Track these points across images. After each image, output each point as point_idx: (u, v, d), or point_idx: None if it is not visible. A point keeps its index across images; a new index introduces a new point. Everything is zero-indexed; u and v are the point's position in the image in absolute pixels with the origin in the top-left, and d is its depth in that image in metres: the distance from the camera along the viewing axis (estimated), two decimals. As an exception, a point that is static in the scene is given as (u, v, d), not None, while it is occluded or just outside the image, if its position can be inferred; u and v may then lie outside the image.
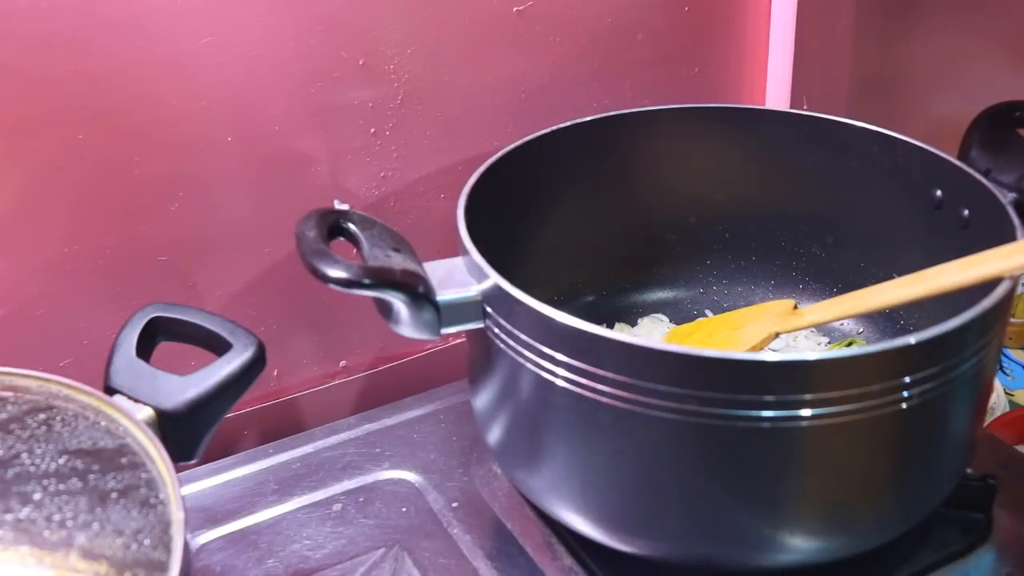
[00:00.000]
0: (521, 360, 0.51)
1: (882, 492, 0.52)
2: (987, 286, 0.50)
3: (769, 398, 0.46)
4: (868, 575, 0.57)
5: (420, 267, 0.53)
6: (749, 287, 0.76)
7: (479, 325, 0.54)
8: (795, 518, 0.51)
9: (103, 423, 0.47)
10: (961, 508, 0.60)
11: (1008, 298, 0.50)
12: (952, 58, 0.98)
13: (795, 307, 0.65)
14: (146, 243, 0.66)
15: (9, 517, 0.41)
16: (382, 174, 0.72)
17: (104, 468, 0.44)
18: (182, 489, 0.44)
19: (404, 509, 0.64)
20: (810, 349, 0.72)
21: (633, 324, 0.74)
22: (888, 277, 0.58)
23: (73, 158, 0.61)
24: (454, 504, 0.64)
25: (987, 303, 0.48)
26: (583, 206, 0.70)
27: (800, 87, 0.85)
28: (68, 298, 0.64)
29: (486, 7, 0.71)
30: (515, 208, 0.66)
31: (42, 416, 0.46)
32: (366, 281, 0.49)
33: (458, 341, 0.77)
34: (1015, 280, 0.50)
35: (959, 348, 0.48)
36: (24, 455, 0.44)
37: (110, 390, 0.51)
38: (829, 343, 0.73)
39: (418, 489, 0.65)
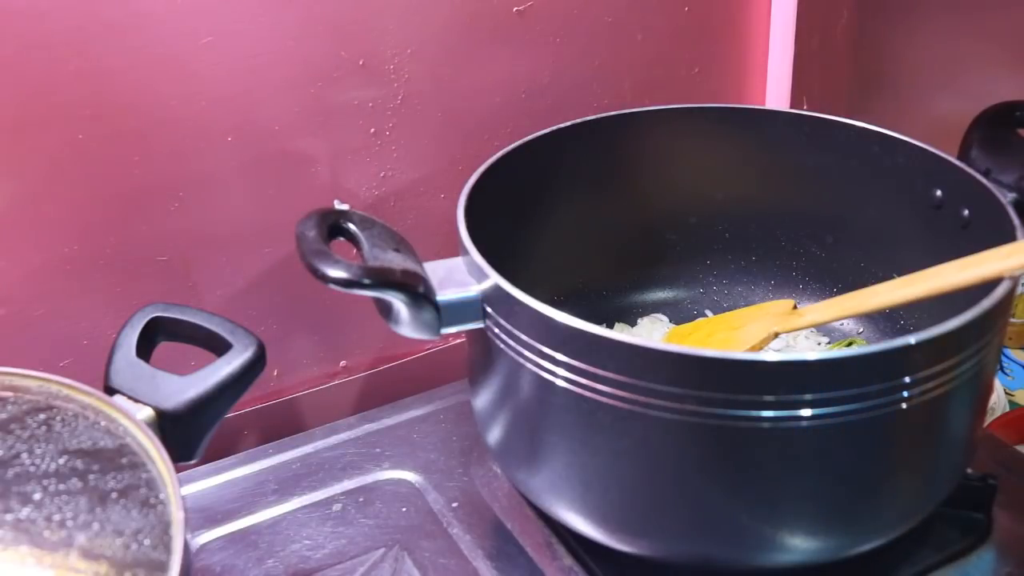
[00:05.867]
0: (521, 360, 0.51)
1: (882, 492, 0.52)
2: (987, 286, 0.50)
3: (769, 398, 0.46)
4: (868, 575, 0.57)
5: (420, 267, 0.53)
6: (749, 287, 0.76)
7: (479, 325, 0.54)
8: (795, 518, 0.51)
9: (103, 423, 0.47)
10: (961, 508, 0.60)
11: (1008, 298, 0.50)
12: (952, 58, 0.98)
13: (795, 307, 0.65)
14: (146, 243, 0.66)
15: (9, 517, 0.41)
16: (382, 174, 0.72)
17: (104, 468, 0.44)
18: (182, 489, 0.44)
19: (404, 509, 0.64)
20: (810, 349, 0.72)
21: (633, 324, 0.74)
22: (888, 277, 0.58)
23: (73, 158, 0.61)
24: (454, 504, 0.64)
25: (987, 303, 0.48)
26: (583, 206, 0.70)
27: (800, 87, 0.85)
28: (68, 298, 0.64)
29: (486, 7, 0.71)
30: (515, 208, 0.66)
31: (42, 416, 0.46)
32: (366, 281, 0.49)
33: (458, 341, 0.77)
34: (1015, 280, 0.50)
35: (959, 348, 0.48)
36: (24, 455, 0.44)
37: (110, 390, 0.51)
38: (829, 343, 0.73)
39: (418, 489, 0.65)
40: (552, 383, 0.50)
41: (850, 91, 0.91)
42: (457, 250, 0.55)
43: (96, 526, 0.41)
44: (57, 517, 0.41)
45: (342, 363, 0.77)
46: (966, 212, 0.60)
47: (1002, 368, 0.95)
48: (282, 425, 0.73)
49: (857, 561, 0.54)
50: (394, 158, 0.72)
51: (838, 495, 0.51)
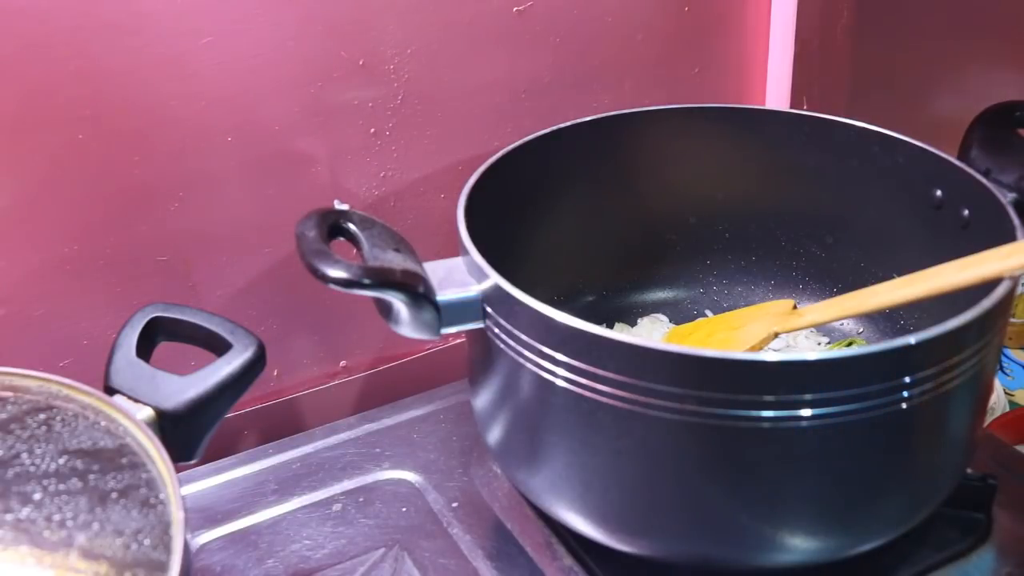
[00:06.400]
0: (521, 360, 0.51)
1: (882, 492, 0.52)
2: (987, 286, 0.50)
3: (769, 398, 0.46)
4: (868, 575, 0.57)
5: (420, 267, 0.53)
6: (749, 287, 0.76)
7: (479, 325, 0.54)
8: (795, 518, 0.51)
9: (103, 423, 0.47)
10: (961, 508, 0.60)
11: (1008, 298, 0.50)
12: (952, 58, 0.98)
13: (795, 307, 0.65)
14: (146, 243, 0.66)
15: (9, 517, 0.41)
16: (382, 174, 0.72)
17: (104, 468, 0.44)
18: (182, 489, 0.44)
19: (404, 509, 0.64)
20: (810, 349, 0.72)
21: (633, 324, 0.74)
22: (888, 277, 0.58)
23: (73, 158, 0.61)
24: (454, 504, 0.64)
25: (987, 303, 0.48)
26: (583, 206, 0.70)
27: (800, 87, 0.85)
28: (68, 298, 0.64)
29: (486, 7, 0.71)
30: (515, 208, 0.66)
31: (42, 416, 0.46)
32: (366, 281, 0.49)
33: (458, 341, 0.77)
34: (1015, 280, 0.50)
35: (959, 348, 0.48)
36: (24, 455, 0.44)
37: (110, 390, 0.51)
38: (829, 343, 0.73)
39: (418, 489, 0.65)
40: (552, 383, 0.50)
41: (850, 91, 0.91)
42: (457, 250, 0.55)
43: (96, 526, 0.41)
44: (57, 517, 0.41)
45: (342, 363, 0.77)
46: (966, 212, 0.60)
47: (1002, 368, 0.95)
48: (282, 425, 0.73)
49: (857, 561, 0.54)
50: (394, 158, 0.72)
51: (838, 495, 0.51)
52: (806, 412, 0.47)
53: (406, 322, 0.52)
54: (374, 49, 0.68)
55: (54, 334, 0.65)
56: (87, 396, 0.48)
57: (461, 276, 0.54)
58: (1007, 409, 0.86)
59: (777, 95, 0.85)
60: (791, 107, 0.84)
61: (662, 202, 0.73)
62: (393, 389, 0.75)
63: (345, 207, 0.54)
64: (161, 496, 0.44)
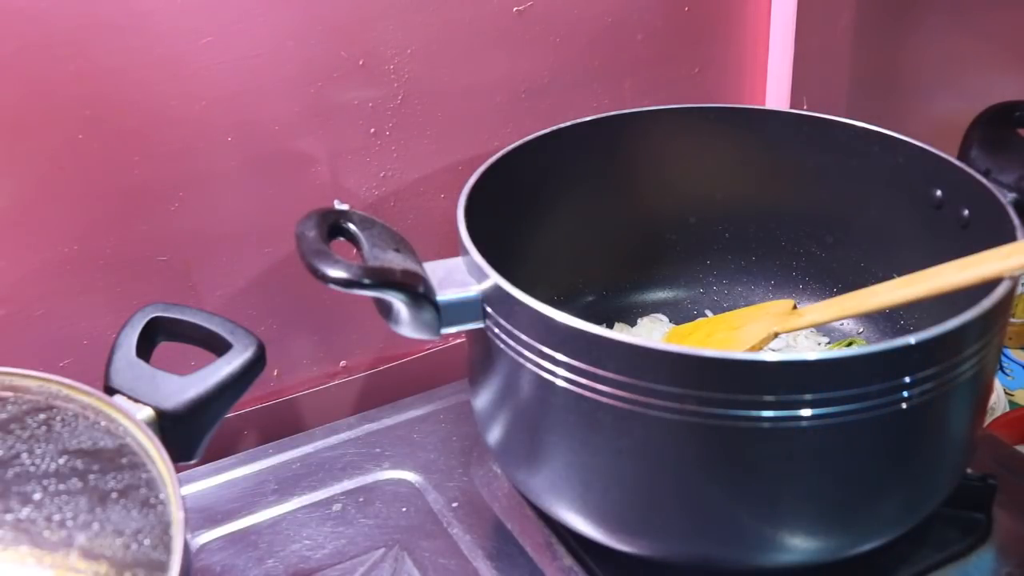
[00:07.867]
0: (521, 360, 0.51)
1: (882, 492, 0.52)
2: (987, 286, 0.50)
3: (769, 398, 0.46)
4: (868, 575, 0.57)
5: (420, 267, 0.53)
6: (749, 287, 0.76)
7: (479, 325, 0.54)
8: (795, 518, 0.51)
9: (103, 423, 0.47)
10: (961, 508, 0.60)
11: (1008, 298, 0.50)
12: (952, 58, 0.98)
13: (795, 307, 0.65)
14: (146, 243, 0.66)
15: (9, 517, 0.41)
16: (382, 174, 0.72)
17: (104, 468, 0.44)
18: (182, 489, 0.44)
19: (404, 509, 0.64)
20: (810, 349, 0.72)
21: (633, 324, 0.74)
22: (888, 277, 0.58)
23: (73, 158, 0.61)
24: (454, 504, 0.64)
25: (987, 303, 0.48)
26: (583, 206, 0.70)
27: (800, 87, 0.85)
28: (68, 298, 0.64)
29: (486, 7, 0.71)
30: (515, 208, 0.66)
31: (42, 416, 0.46)
32: (366, 281, 0.49)
33: (458, 341, 0.77)
34: (1015, 280, 0.50)
35: (959, 348, 0.48)
36: (24, 455, 0.44)
37: (110, 390, 0.51)
38: (829, 343, 0.73)
39: (418, 489, 0.65)
40: (552, 383, 0.50)
41: (850, 91, 0.91)
42: (457, 250, 0.55)
43: (96, 526, 0.41)
44: (57, 517, 0.41)
45: (342, 363, 0.77)
46: (966, 212, 0.60)
47: (1002, 368, 0.95)
48: (282, 425, 0.73)
49: (857, 561, 0.54)
50: (394, 158, 0.72)
51: (838, 495, 0.51)
52: (806, 412, 0.47)
53: (406, 322, 0.52)
54: (374, 49, 0.68)
55: (54, 334, 0.65)
56: (87, 396, 0.48)
57: (461, 276, 0.54)
58: (1007, 409, 0.86)
59: (777, 95, 0.85)
60: (791, 107, 0.84)
61: (662, 202, 0.73)
62: (393, 389, 0.75)
63: (345, 207, 0.55)
64: (161, 496, 0.44)
